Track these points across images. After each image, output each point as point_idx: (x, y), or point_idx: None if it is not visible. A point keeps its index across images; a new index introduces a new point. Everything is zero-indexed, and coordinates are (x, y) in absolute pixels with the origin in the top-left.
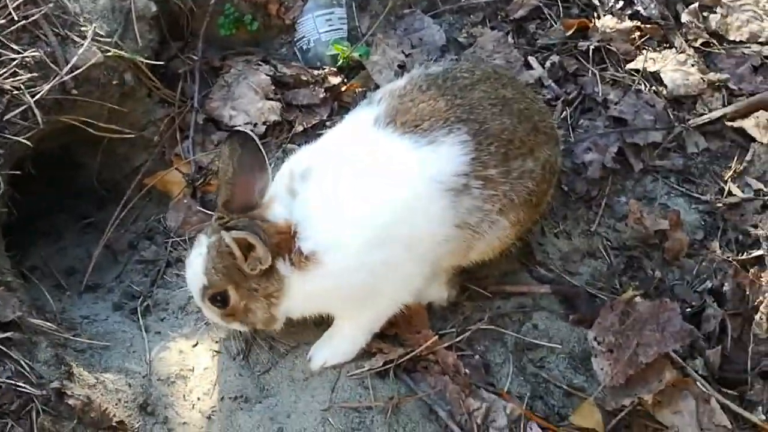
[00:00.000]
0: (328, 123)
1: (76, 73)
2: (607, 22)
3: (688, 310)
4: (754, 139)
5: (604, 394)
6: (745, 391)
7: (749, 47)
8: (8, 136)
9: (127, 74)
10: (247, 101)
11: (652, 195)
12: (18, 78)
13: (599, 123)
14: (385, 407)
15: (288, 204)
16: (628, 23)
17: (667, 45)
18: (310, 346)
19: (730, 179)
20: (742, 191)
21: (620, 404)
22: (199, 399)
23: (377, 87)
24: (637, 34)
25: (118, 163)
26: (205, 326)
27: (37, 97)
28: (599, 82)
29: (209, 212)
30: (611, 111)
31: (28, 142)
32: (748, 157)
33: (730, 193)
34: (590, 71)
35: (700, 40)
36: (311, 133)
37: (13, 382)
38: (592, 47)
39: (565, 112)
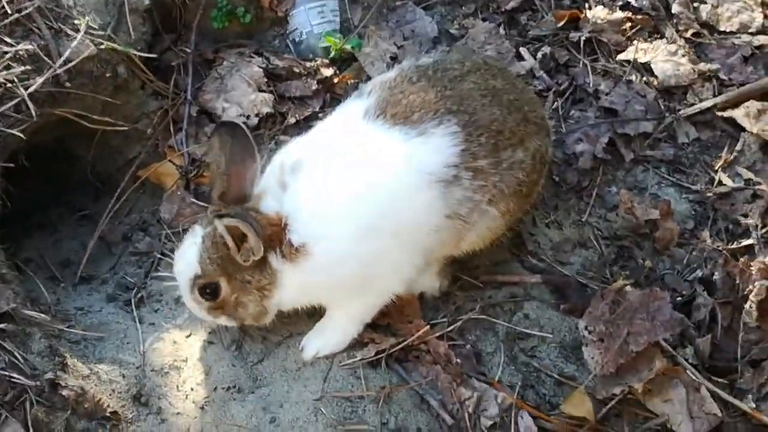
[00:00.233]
0: (320, 115)
1: (69, 66)
2: (598, 13)
3: (679, 299)
4: (744, 129)
5: (595, 383)
6: (735, 379)
7: (739, 37)
8: (1, 129)
9: (121, 67)
10: (240, 93)
11: (643, 185)
12: (11, 71)
13: (590, 114)
14: (377, 397)
15: (279, 196)
16: (619, 14)
17: (658, 35)
18: (303, 337)
19: (720, 169)
20: (733, 181)
21: (611, 393)
22: (192, 389)
23: (369, 79)
24: (628, 24)
25: (112, 155)
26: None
27: (30, 89)
28: (590, 72)
29: (203, 204)
30: (602, 102)
31: (21, 135)
32: (738, 147)
33: (720, 183)
34: (581, 62)
35: (690, 31)
36: (304, 125)
37: (6, 373)
38: (583, 38)
39: (556, 103)
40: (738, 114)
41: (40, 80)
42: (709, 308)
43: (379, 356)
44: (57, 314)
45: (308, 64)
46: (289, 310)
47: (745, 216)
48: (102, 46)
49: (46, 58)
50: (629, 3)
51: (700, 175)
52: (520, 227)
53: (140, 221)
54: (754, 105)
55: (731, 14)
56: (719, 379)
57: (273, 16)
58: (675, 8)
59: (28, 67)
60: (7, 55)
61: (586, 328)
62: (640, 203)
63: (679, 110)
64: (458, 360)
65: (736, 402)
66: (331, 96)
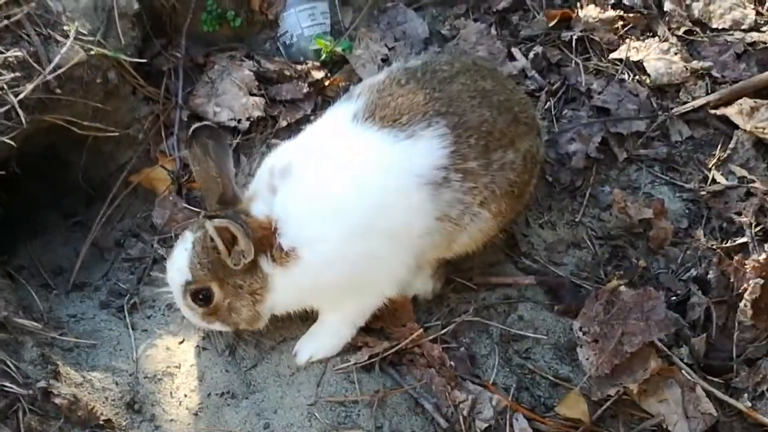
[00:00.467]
0: (312, 117)
1: (59, 72)
2: (590, 12)
3: (673, 298)
4: (737, 127)
5: (590, 384)
6: (731, 378)
7: (732, 35)
8: None
9: (111, 72)
10: (231, 97)
11: (636, 184)
12: (1, 78)
13: (583, 113)
14: (371, 401)
15: (269, 200)
16: (611, 13)
17: (650, 34)
18: (296, 341)
19: (713, 167)
20: (726, 179)
21: (606, 394)
22: (186, 396)
23: (361, 81)
24: (620, 23)
25: (103, 161)
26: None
27: (20, 96)
28: (582, 72)
29: (195, 209)
30: (595, 101)
31: (12, 143)
32: (731, 145)
33: (714, 181)
34: (573, 61)
35: (683, 29)
36: (295, 128)
37: None
38: (575, 37)
39: (548, 103)
40: (731, 112)
41: (30, 87)
42: (703, 307)
43: (373, 360)
44: (49, 322)
45: (299, 67)
46: (282, 314)
47: (739, 214)
48: (92, 52)
49: (35, 65)
50: (621, 1)
51: (693, 174)
52: (513, 228)
53: (133, 227)
54: (747, 102)
55: (723, 11)
56: (715, 379)
57: (263, 19)
58: (667, 6)
59: (17, 74)
60: None
61: (580, 329)
62: (633, 202)
63: (672, 108)
64: (452, 363)
65: (732, 401)
66: (322, 99)
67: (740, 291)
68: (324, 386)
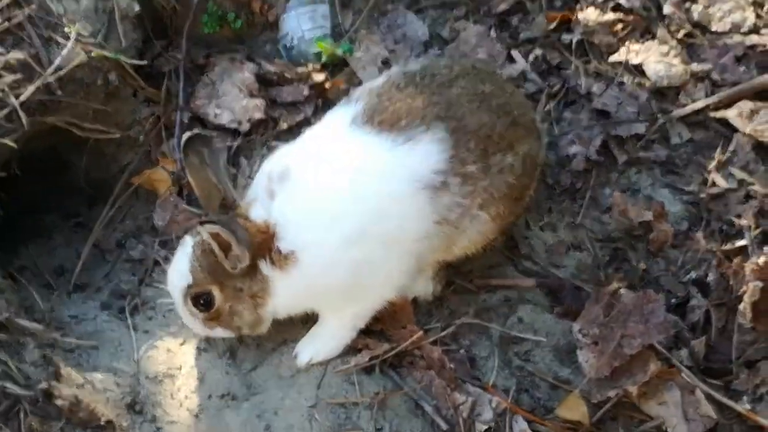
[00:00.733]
0: (312, 120)
1: (60, 74)
2: (589, 15)
3: (673, 300)
4: (737, 130)
5: (590, 387)
6: (731, 380)
7: (732, 37)
8: None
9: (112, 74)
10: (232, 99)
11: (636, 187)
12: (2, 80)
13: (582, 116)
14: (371, 403)
15: (267, 205)
16: (610, 15)
17: (650, 36)
18: (296, 344)
19: (713, 170)
20: (726, 181)
21: (605, 396)
22: (186, 397)
23: (361, 83)
24: (620, 26)
25: (105, 162)
26: None
27: (21, 98)
28: (582, 74)
29: (196, 210)
30: (594, 103)
31: (13, 144)
32: (731, 148)
33: (713, 184)
34: (573, 64)
35: (682, 31)
36: (296, 131)
37: (0, 383)
38: (575, 40)
39: (548, 106)
40: (731, 114)
41: (31, 88)
42: (703, 310)
43: (373, 362)
44: (51, 323)
45: (300, 70)
46: (283, 317)
47: (739, 217)
48: (93, 54)
49: (36, 67)
50: (620, 4)
51: (693, 176)
52: (513, 230)
53: (134, 228)
54: (746, 105)
55: (723, 14)
56: (714, 381)
57: (264, 21)
58: (667, 9)
59: (18, 76)
60: None
61: (580, 331)
62: (633, 205)
63: (672, 111)
64: (452, 365)
65: (732, 404)
66: (323, 101)
67: (740, 293)
68: (324, 388)
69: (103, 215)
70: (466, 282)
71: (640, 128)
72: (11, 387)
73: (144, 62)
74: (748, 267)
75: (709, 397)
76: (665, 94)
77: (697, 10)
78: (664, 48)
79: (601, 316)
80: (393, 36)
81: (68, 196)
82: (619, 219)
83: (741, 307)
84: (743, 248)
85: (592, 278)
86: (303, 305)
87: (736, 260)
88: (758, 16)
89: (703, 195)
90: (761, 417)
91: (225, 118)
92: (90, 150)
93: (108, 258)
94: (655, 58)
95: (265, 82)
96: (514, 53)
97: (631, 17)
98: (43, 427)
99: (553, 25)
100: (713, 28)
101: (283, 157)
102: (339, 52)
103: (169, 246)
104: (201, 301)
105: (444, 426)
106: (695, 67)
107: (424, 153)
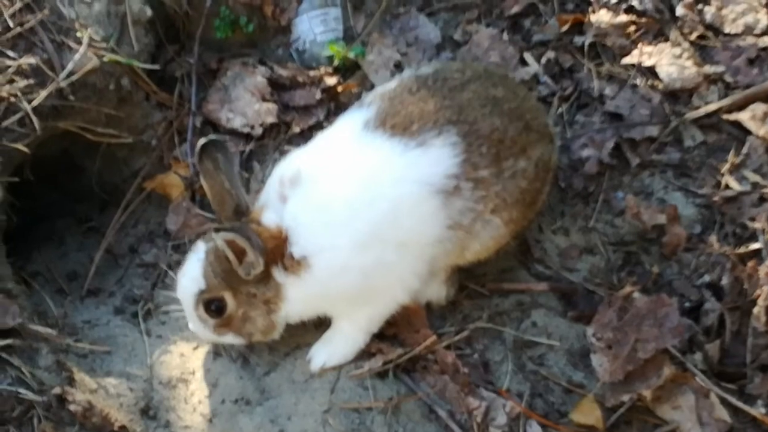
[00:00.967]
0: (324, 124)
1: (72, 79)
2: (602, 17)
3: (687, 304)
4: (750, 132)
5: (604, 391)
6: (745, 384)
7: (745, 39)
8: (6, 143)
9: (124, 79)
10: (244, 103)
11: (649, 190)
12: (14, 85)
13: (595, 119)
14: (385, 407)
15: (279, 209)
16: (623, 17)
17: (663, 39)
18: (310, 348)
19: (726, 172)
20: (739, 184)
21: (620, 400)
22: (200, 402)
23: (373, 86)
24: (632, 28)
25: (117, 167)
26: None
27: (34, 103)
28: (595, 77)
29: (208, 215)
30: (607, 106)
31: (26, 149)
32: (744, 150)
33: (727, 187)
34: (585, 67)
35: (695, 33)
36: (308, 135)
37: (14, 389)
38: (587, 42)
39: (560, 109)
40: (744, 117)
41: (43, 94)
42: (717, 313)
43: (387, 367)
44: (64, 328)
45: (312, 73)
46: (296, 322)
47: (753, 219)
48: (105, 59)
49: (49, 72)
50: (633, 6)
51: (706, 179)
52: (526, 234)
53: (147, 233)
54: (760, 107)
55: (736, 16)
56: (728, 385)
57: (276, 25)
58: (679, 11)
59: (31, 81)
60: (10, 69)
61: (593, 335)
62: (646, 208)
63: (685, 114)
64: (466, 369)
65: (746, 408)
66: (335, 105)
67: (754, 297)
68: (338, 393)
69: (115, 220)
70: (479, 286)
71: (653, 131)
72: (25, 392)
73: (156, 67)
74: (762, 270)
75: (724, 401)
76: (678, 96)
77: (709, 12)
78: (677, 50)
79: (615, 320)
80: (405, 39)
81: (81, 201)
82: (632, 222)
83: (755, 310)
84: (757, 251)
85: (605, 282)
86: (316, 310)
87: (749, 263)
88: None
89: (716, 198)
90: None
91: (237, 123)
92: (102, 155)
93: (121, 263)
94: (668, 61)
95: (277, 86)
96: (527, 56)
97: (643, 19)
98: None
99: (565, 28)
100: (726, 30)
101: (296, 161)
102: (351, 55)
103: (182, 250)
104: (212, 306)
105: (458, 431)
106: (708, 69)
107: (436, 157)
